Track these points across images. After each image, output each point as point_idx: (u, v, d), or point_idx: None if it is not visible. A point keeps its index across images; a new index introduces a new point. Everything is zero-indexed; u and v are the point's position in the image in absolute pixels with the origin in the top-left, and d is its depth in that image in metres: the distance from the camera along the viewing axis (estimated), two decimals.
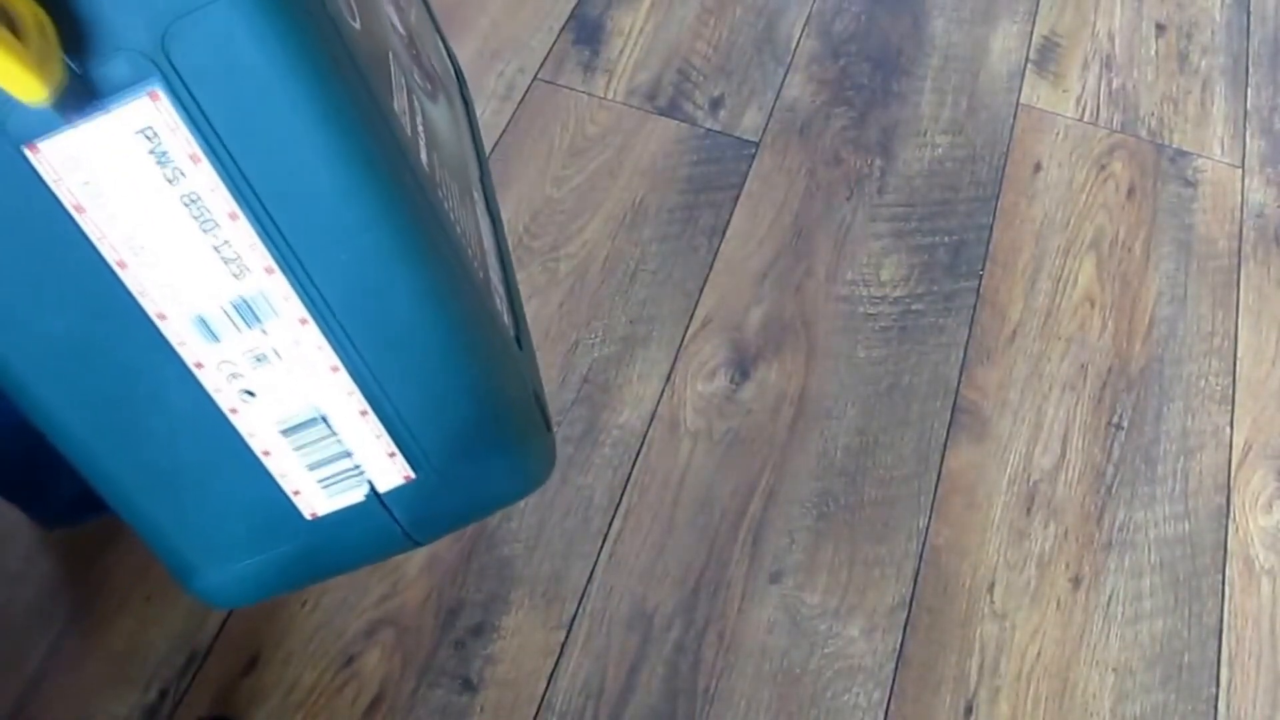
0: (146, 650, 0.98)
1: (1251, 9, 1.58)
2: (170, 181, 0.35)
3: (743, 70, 1.42)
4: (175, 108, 0.35)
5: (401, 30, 0.45)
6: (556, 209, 1.27)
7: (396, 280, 0.38)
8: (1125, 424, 1.18)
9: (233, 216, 0.36)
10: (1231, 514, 1.14)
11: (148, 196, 0.35)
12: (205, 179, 0.36)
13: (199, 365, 0.37)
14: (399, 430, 0.40)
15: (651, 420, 1.14)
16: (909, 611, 1.05)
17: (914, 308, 1.24)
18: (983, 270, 1.28)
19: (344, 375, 0.38)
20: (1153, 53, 1.52)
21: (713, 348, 1.19)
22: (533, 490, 0.47)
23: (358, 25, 0.38)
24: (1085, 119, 1.43)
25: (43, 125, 0.35)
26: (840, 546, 1.08)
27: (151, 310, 0.36)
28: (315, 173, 0.36)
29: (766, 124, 1.37)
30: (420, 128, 0.42)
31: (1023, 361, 1.22)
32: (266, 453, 0.39)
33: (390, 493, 0.42)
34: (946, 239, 1.30)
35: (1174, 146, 1.42)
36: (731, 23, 1.47)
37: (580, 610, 1.04)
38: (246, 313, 0.37)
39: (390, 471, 0.41)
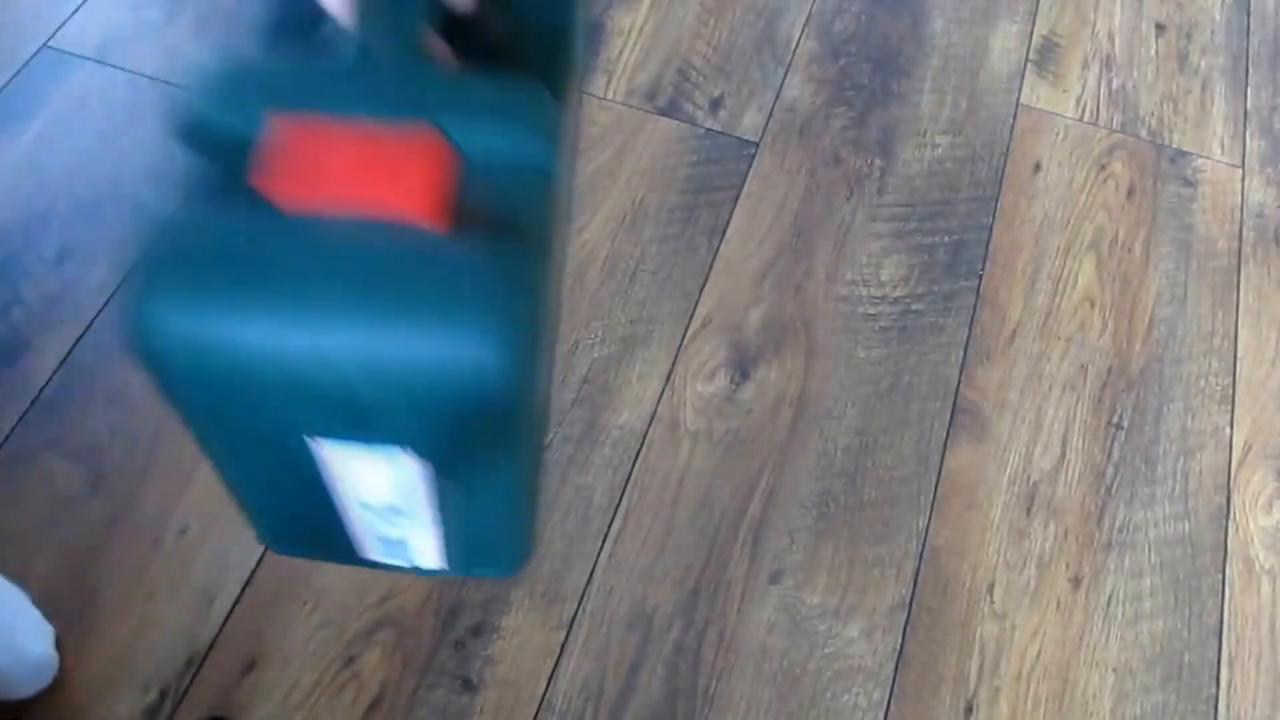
0: (146, 650, 0.98)
1: (1251, 9, 1.58)
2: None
3: (743, 70, 1.42)
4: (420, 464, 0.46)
5: None
6: None
7: (502, 470, 0.49)
8: (1125, 424, 1.18)
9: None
10: (1231, 514, 1.14)
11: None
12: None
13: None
14: (449, 545, 0.53)
15: (651, 420, 1.14)
16: (909, 612, 1.05)
17: (914, 308, 1.24)
18: (983, 270, 1.28)
19: (430, 509, 0.49)
20: (1153, 53, 1.51)
21: (713, 348, 1.19)
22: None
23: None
24: (1085, 119, 1.43)
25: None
26: (840, 547, 1.08)
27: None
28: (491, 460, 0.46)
29: (766, 124, 1.37)
30: None
31: (1023, 361, 1.22)
32: (358, 522, 0.51)
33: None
34: (946, 239, 1.30)
35: (1174, 146, 1.42)
36: (731, 23, 1.47)
37: (580, 610, 1.04)
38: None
39: (429, 560, 0.54)
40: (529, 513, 0.55)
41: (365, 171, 0.41)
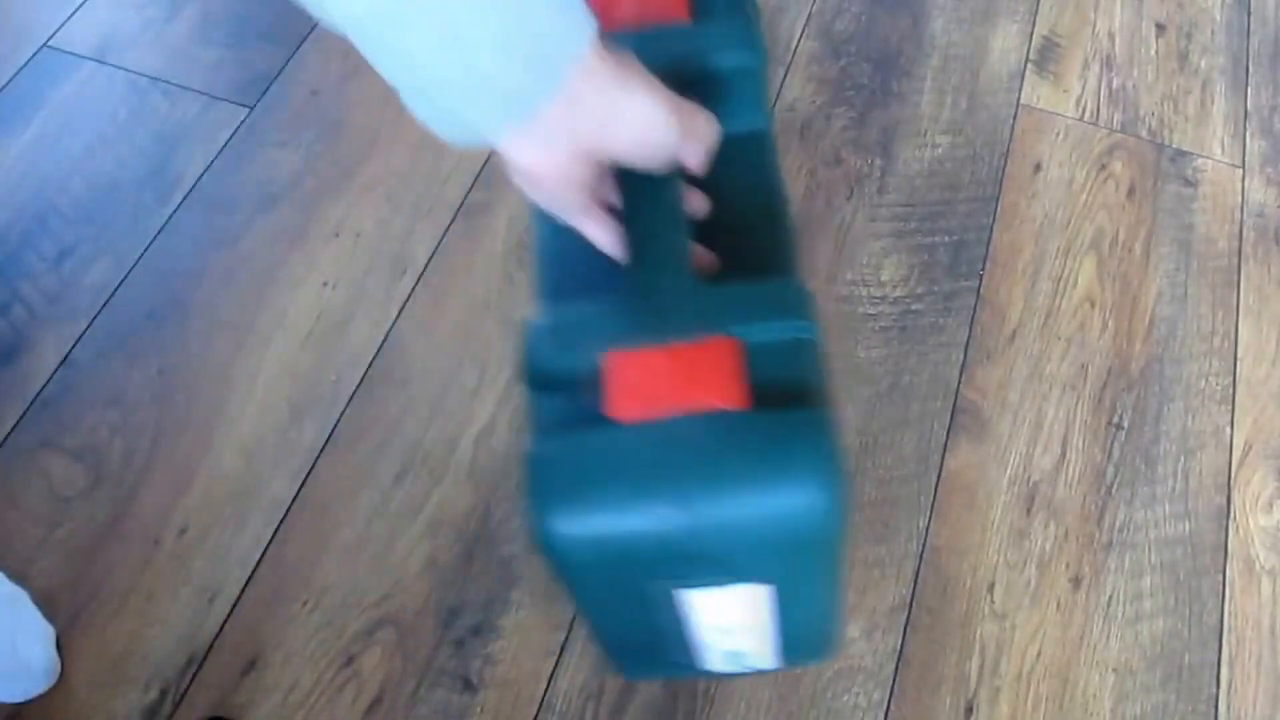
0: (146, 650, 0.98)
1: (1252, 9, 1.58)
2: None
3: None
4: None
5: None
6: None
7: (826, 578, 0.61)
8: (1125, 424, 1.18)
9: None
10: (1232, 514, 1.14)
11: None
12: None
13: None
14: (780, 645, 0.64)
15: None
16: (909, 612, 1.05)
17: (914, 308, 1.24)
18: (983, 270, 1.28)
19: (768, 622, 0.61)
20: (1153, 53, 1.51)
21: None
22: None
23: None
24: (1085, 119, 1.43)
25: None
26: None
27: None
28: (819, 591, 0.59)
29: None
30: None
31: (1023, 362, 1.22)
32: (704, 643, 0.62)
33: None
34: (946, 239, 1.30)
35: (1174, 146, 1.42)
36: None
37: None
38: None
39: (763, 662, 0.65)
40: (841, 603, 0.68)
41: (678, 379, 0.52)
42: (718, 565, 0.53)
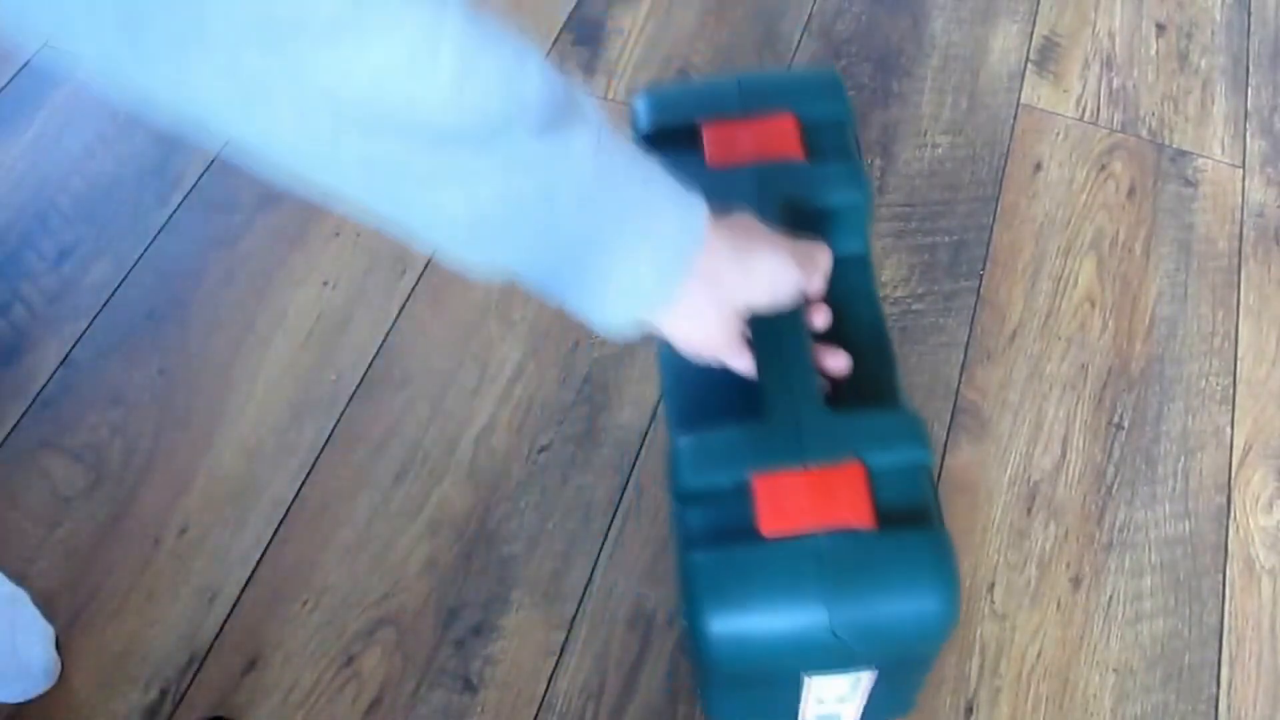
0: (146, 650, 0.98)
1: (1252, 9, 1.58)
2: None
3: (744, 70, 1.42)
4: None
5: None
6: None
7: (922, 663, 0.77)
8: (1126, 424, 1.18)
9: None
10: (1232, 514, 1.14)
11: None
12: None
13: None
14: (867, 711, 0.76)
15: (652, 420, 1.14)
16: None
17: (914, 308, 1.24)
18: (983, 270, 1.28)
19: (866, 695, 0.72)
20: (1153, 52, 1.51)
21: None
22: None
23: None
24: (1085, 119, 1.43)
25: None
26: None
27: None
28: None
29: None
30: None
31: (1023, 361, 1.22)
32: (807, 712, 0.73)
33: None
34: (947, 239, 1.30)
35: (1174, 146, 1.42)
36: (732, 23, 1.47)
37: (580, 610, 1.04)
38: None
39: None
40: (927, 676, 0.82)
41: (817, 500, 0.61)
42: (845, 658, 0.63)
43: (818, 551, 0.59)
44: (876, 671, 0.68)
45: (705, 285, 0.56)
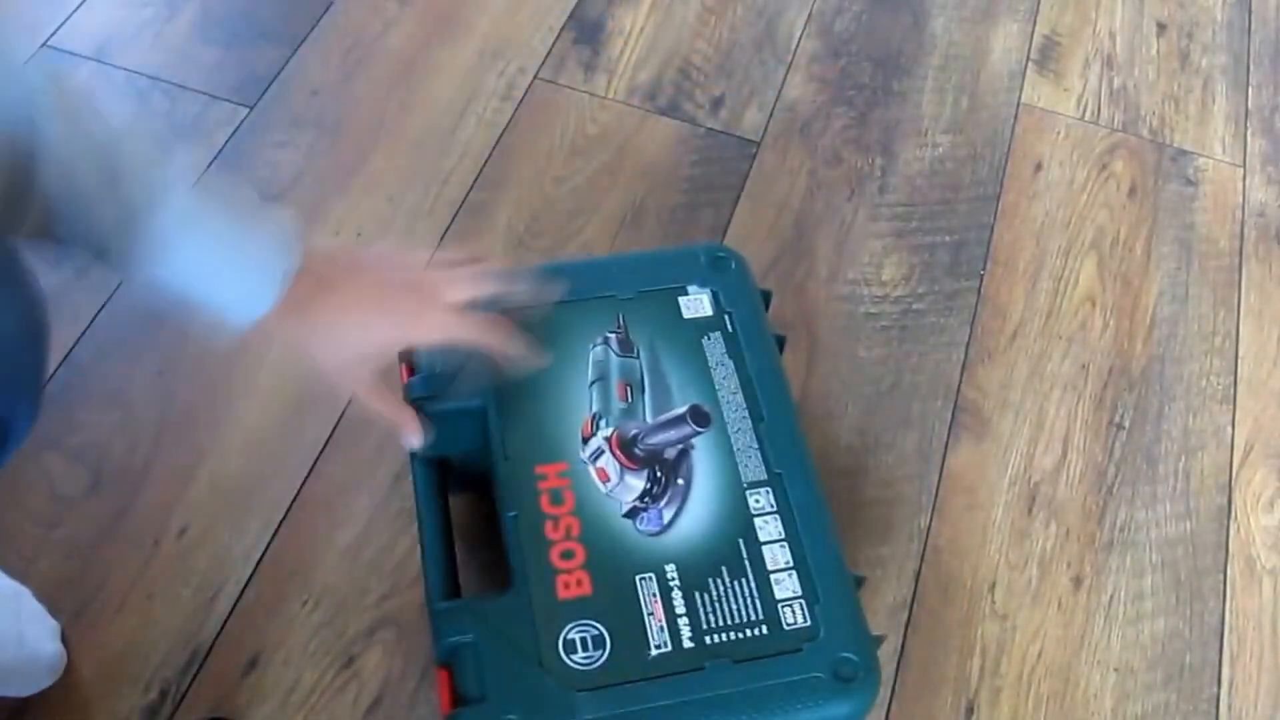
0: (146, 650, 0.98)
1: (1252, 8, 1.58)
2: None
3: (743, 70, 1.42)
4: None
5: None
6: (557, 209, 1.27)
7: None
8: (1126, 424, 1.18)
9: None
10: (1233, 514, 1.14)
11: None
12: None
13: None
14: None
15: None
16: (910, 611, 1.05)
17: (915, 307, 1.24)
18: (984, 270, 1.28)
19: None
20: (1154, 52, 1.51)
21: None
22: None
23: None
24: (1086, 118, 1.43)
25: None
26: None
27: None
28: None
29: (767, 124, 1.37)
30: None
31: (1024, 361, 1.22)
32: None
33: None
34: (947, 238, 1.30)
35: (1175, 146, 1.41)
36: (732, 22, 1.47)
37: None
38: None
39: None
40: None
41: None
42: None
43: None
44: None
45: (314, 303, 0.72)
